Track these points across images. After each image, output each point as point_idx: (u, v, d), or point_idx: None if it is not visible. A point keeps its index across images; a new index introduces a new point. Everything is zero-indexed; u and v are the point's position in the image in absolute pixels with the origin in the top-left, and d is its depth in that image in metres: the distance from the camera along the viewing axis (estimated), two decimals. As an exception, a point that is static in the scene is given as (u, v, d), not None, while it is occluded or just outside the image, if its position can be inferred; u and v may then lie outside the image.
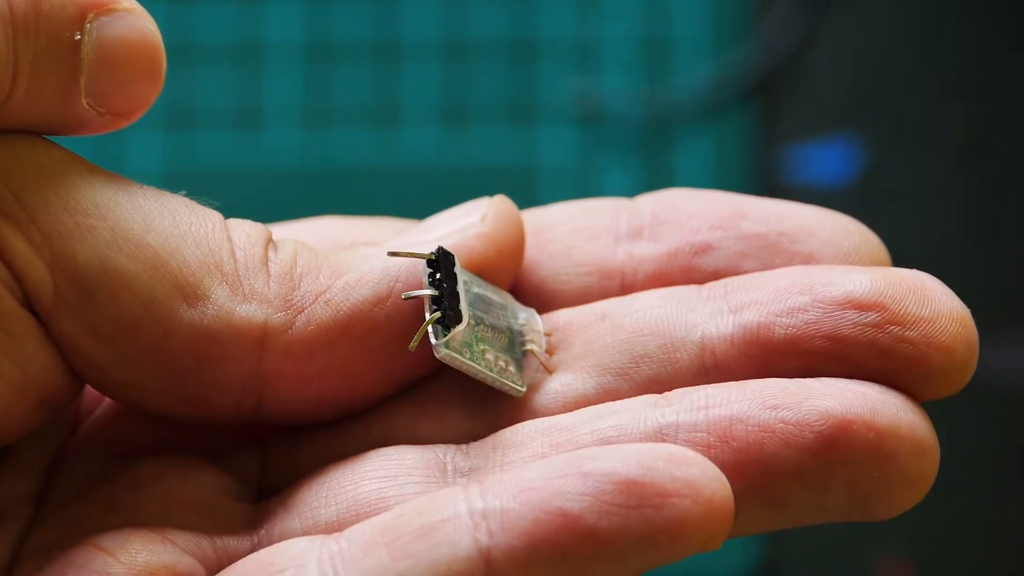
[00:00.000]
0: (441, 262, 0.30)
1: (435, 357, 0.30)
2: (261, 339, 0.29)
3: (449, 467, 0.30)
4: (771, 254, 0.31)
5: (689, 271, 0.31)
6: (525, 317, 0.32)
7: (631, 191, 0.44)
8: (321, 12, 0.77)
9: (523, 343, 0.31)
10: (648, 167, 0.75)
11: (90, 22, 0.29)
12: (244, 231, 0.30)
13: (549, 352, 0.31)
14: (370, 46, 0.77)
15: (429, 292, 0.30)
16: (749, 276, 0.30)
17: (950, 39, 0.75)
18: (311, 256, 0.31)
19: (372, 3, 0.77)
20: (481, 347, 0.30)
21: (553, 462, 0.27)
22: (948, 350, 0.28)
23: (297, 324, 0.30)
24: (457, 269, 0.30)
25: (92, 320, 0.29)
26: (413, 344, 0.30)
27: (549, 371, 0.31)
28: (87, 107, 0.29)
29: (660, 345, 0.30)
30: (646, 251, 0.32)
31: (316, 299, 0.30)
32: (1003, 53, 0.76)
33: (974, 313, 0.29)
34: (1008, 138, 0.75)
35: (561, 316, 0.32)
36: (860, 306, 0.28)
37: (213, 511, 0.30)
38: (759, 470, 0.27)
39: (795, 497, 0.27)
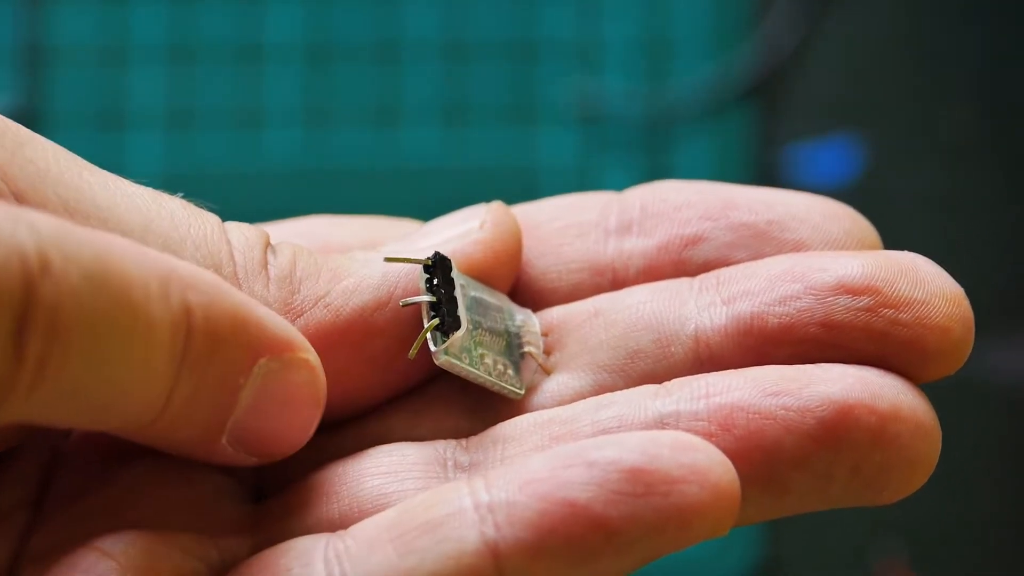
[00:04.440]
0: (438, 267, 0.30)
1: (434, 363, 0.30)
2: None
3: (449, 462, 0.29)
4: (761, 243, 0.31)
5: (680, 264, 0.31)
6: (522, 319, 0.32)
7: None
8: (321, 12, 0.77)
9: (520, 345, 0.31)
10: (648, 167, 0.75)
11: (259, 367, 0.27)
12: (242, 233, 0.30)
13: (547, 352, 0.31)
14: (370, 46, 0.77)
15: (427, 299, 0.30)
16: (741, 266, 0.30)
17: (950, 39, 0.75)
18: (310, 260, 0.30)
19: (372, 3, 0.77)
20: (479, 351, 0.30)
21: (556, 453, 0.26)
22: (942, 330, 0.28)
23: (296, 328, 0.30)
24: (454, 274, 0.30)
25: None
26: (412, 352, 0.30)
27: (547, 372, 0.31)
28: (224, 445, 0.28)
29: (654, 340, 0.30)
30: (636, 246, 0.32)
31: (316, 303, 0.30)
32: (1003, 53, 0.76)
33: (975, 314, 0.29)
34: (1008, 138, 0.75)
35: (555, 313, 0.32)
36: (852, 291, 0.28)
37: (213, 512, 0.30)
38: (762, 457, 0.27)
39: (799, 483, 0.27)
